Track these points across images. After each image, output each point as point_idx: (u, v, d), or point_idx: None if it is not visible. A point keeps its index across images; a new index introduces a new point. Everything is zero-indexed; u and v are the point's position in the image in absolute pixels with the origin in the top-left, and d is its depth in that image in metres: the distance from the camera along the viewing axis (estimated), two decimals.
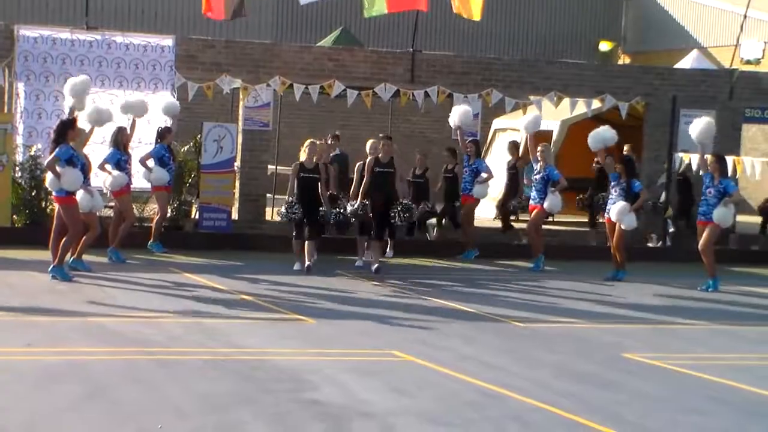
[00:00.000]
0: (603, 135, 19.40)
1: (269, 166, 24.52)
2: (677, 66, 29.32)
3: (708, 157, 19.18)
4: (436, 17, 37.70)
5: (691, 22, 40.12)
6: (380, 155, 19.26)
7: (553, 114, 24.92)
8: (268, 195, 24.12)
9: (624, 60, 41.40)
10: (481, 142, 24.77)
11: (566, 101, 24.39)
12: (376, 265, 18.87)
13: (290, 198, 18.85)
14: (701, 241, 19.05)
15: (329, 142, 23.05)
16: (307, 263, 18.72)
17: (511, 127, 27.12)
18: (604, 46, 40.87)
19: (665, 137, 24.59)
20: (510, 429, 9.58)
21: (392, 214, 19.19)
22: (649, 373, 12.14)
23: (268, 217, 23.81)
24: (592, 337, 14.08)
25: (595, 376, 11.80)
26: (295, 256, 19.10)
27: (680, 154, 23.38)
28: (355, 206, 19.22)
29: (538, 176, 20.44)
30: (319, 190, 18.85)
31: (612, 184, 19.65)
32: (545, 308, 15.01)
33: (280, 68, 23.04)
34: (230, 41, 24.07)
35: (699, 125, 19.25)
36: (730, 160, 20.81)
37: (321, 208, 18.87)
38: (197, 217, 22.43)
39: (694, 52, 32.31)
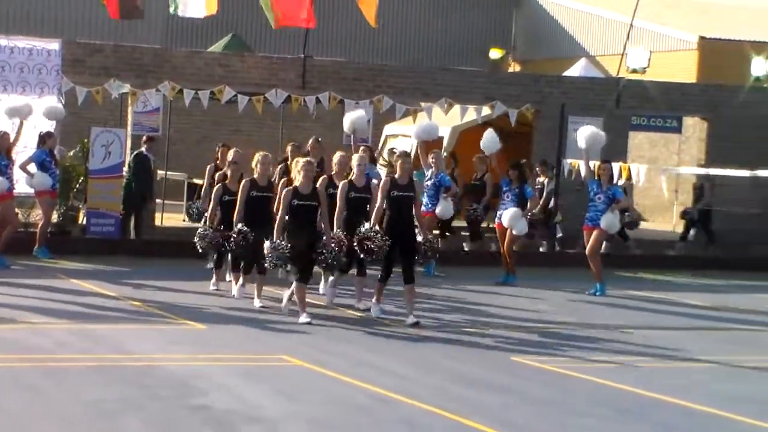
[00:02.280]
0: (494, 138, 19.59)
1: (159, 172, 24.25)
2: (566, 74, 29.70)
3: (598, 163, 19.45)
4: (327, 24, 37.71)
5: (580, 31, 40.66)
6: (396, 175, 15.36)
7: (444, 120, 25.04)
8: (158, 200, 23.87)
9: (514, 68, 41.82)
10: (373, 149, 24.81)
11: (457, 108, 24.54)
12: (412, 319, 15.03)
13: (278, 237, 14.66)
14: (588, 247, 19.28)
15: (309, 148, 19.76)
16: (258, 304, 15.84)
17: (402, 133, 27.22)
18: (495, 53, 41.23)
19: (554, 144, 24.86)
20: None
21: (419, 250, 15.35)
22: (537, 376, 12.25)
23: (157, 222, 23.58)
24: (482, 341, 14.16)
25: (486, 381, 11.86)
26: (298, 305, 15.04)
27: (569, 161, 23.66)
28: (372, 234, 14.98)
29: (429, 182, 20.49)
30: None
31: (504, 189, 19.80)
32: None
33: (169, 73, 22.82)
34: (118, 45, 23.79)
35: (586, 133, 19.51)
36: (616, 166, 21.12)
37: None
38: (85, 222, 22.11)
39: (583, 61, 32.78)
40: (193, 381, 11.06)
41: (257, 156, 16.02)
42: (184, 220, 25.26)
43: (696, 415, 10.79)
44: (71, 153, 22.60)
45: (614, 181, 19.92)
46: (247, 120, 27.33)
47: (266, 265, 15.11)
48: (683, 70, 34.50)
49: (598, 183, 19.19)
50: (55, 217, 21.46)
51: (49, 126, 21.02)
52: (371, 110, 23.70)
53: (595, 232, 19.17)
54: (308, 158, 15.45)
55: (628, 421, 10.45)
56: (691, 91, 27.59)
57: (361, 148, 18.19)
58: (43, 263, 19.60)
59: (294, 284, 14.92)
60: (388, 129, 28.55)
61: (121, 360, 12.00)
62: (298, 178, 14.83)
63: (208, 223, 16.71)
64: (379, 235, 14.84)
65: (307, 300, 14.94)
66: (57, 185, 20.56)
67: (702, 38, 35.28)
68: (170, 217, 24.76)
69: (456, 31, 42.34)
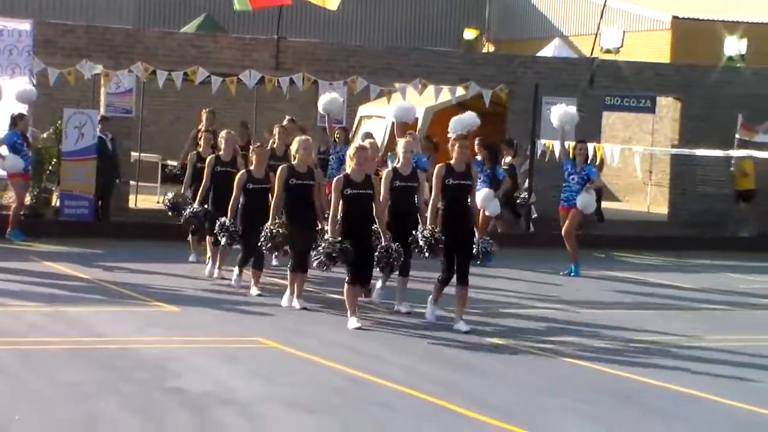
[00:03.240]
0: (465, 120, 19.50)
1: (132, 153, 24.16)
2: (540, 54, 29.70)
3: (573, 143, 19.47)
4: (300, 4, 37.56)
5: (553, 11, 40.67)
6: (452, 161, 13.75)
7: (418, 101, 25.01)
8: (132, 182, 23.78)
9: (488, 48, 41.79)
10: (348, 129, 24.77)
11: (431, 88, 24.52)
12: (464, 326, 13.56)
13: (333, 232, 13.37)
14: (564, 227, 19.32)
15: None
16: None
17: (377, 114, 27.18)
18: (469, 34, 41.18)
19: (528, 125, 24.88)
20: (377, 414, 9.59)
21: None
22: (512, 357, 12.26)
23: (131, 204, 23.50)
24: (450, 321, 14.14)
25: (461, 362, 11.88)
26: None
27: (543, 141, 23.69)
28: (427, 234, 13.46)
29: None
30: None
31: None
32: (410, 295, 15.04)
33: (142, 54, 22.72)
34: (91, 26, 23.68)
35: (559, 112, 19.53)
36: (591, 147, 21.15)
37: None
38: (58, 204, 22.01)
39: (556, 41, 32.78)
40: (167, 363, 11.03)
41: (299, 141, 14.55)
42: (158, 202, 25.26)
43: (679, 397, 10.83)
44: (44, 135, 22.48)
45: (589, 162, 19.94)
46: (220, 101, 27.21)
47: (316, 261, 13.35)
48: (657, 50, 34.57)
49: (573, 163, 19.21)
50: (28, 200, 21.35)
51: (22, 108, 20.88)
52: (345, 91, 23.65)
53: (571, 212, 19.20)
54: (360, 143, 14.10)
55: (606, 402, 10.47)
56: (664, 71, 27.65)
57: (407, 133, 17.99)
58: (16, 246, 19.51)
59: (345, 287, 13.42)
60: (363, 110, 28.50)
61: (95, 343, 11.96)
62: (350, 165, 13.35)
63: (230, 216, 15.16)
64: (438, 231, 13.36)
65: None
66: (29, 167, 20.45)
67: (675, 18, 35.34)
68: (144, 199, 24.70)
69: (430, 11, 42.27)
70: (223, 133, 16.65)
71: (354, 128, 27.46)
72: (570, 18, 39.59)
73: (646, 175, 30.49)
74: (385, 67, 24.51)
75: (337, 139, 21.16)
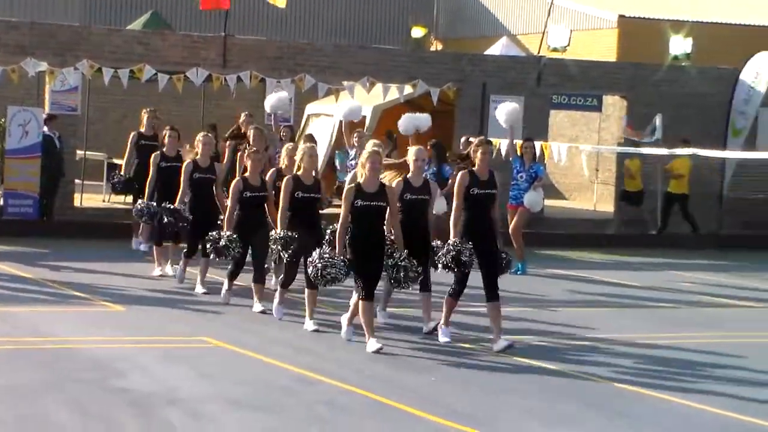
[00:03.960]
0: (417, 120, 19.47)
1: (78, 151, 23.96)
2: (487, 52, 29.78)
3: (520, 142, 19.52)
4: (247, 2, 37.47)
5: (501, 10, 40.79)
6: (475, 168, 12.84)
7: (366, 99, 24.99)
8: (77, 180, 23.59)
9: (436, 46, 41.86)
10: (295, 128, 24.70)
11: (379, 86, 24.51)
12: (503, 343, 12.61)
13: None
14: (512, 225, 19.36)
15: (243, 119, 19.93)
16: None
17: (325, 113, 27.14)
18: (417, 32, 41.21)
19: (476, 123, 24.93)
20: (321, 413, 9.58)
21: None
22: (458, 355, 12.27)
23: (77, 203, 23.31)
24: (401, 322, 14.14)
25: (406, 360, 11.87)
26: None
27: (491, 140, 23.68)
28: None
29: (353, 161, 20.42)
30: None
31: (424, 169, 19.77)
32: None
33: (88, 51, 22.53)
34: (35, 23, 23.44)
35: (505, 109, 19.56)
36: (538, 145, 21.22)
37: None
38: (2, 203, 21.79)
39: (504, 39, 32.87)
40: (112, 363, 10.96)
41: (303, 148, 13.54)
42: (104, 201, 25.09)
43: (622, 394, 10.90)
44: None
45: (537, 159, 20.00)
46: (167, 99, 27.07)
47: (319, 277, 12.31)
48: (603, 48, 34.77)
49: (521, 161, 19.27)
50: None
51: None
52: (293, 89, 23.59)
53: (519, 210, 19.27)
54: (374, 147, 12.70)
55: (553, 398, 10.51)
56: (610, 69, 27.80)
57: (356, 131, 17.97)
58: None
59: (360, 304, 12.21)
60: (310, 108, 28.44)
61: (40, 343, 11.86)
62: (361, 172, 12.22)
63: (226, 229, 14.12)
64: (469, 245, 12.46)
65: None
66: None
67: (621, 17, 35.56)
68: (90, 198, 24.51)
69: (379, 9, 42.27)
70: (200, 136, 15.76)
71: (302, 126, 27.42)
72: (517, 16, 39.74)
73: (592, 174, 30.64)
74: (332, 65, 24.46)
75: (283, 138, 21.10)
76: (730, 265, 22.41)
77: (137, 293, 15.30)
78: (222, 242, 14.01)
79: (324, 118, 27.02)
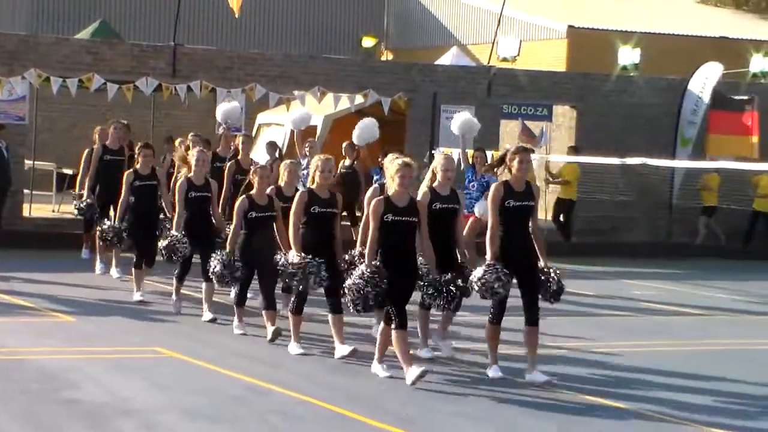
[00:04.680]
0: (366, 131, 19.35)
1: (26, 161, 23.75)
2: (438, 62, 29.84)
3: (472, 152, 19.56)
4: (197, 11, 37.34)
5: (451, 20, 40.90)
6: (510, 178, 11.68)
7: (317, 109, 24.98)
8: (26, 191, 23.37)
9: (387, 56, 41.91)
10: (251, 137, 24.63)
11: (330, 96, 24.49)
12: (541, 377, 11.61)
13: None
14: (464, 234, 19.32)
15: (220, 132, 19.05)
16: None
17: (276, 122, 27.08)
18: (368, 41, 41.25)
19: (427, 132, 24.97)
20: (275, 422, 9.53)
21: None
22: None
23: (25, 213, 23.08)
24: (354, 330, 14.07)
25: (357, 369, 11.81)
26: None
27: (441, 149, 23.76)
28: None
29: (305, 171, 20.36)
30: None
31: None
32: (311, 301, 14.94)
33: (35, 61, 22.35)
34: None
35: (460, 119, 19.57)
36: (489, 154, 21.26)
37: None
38: None
39: (454, 49, 32.95)
40: (63, 374, 10.85)
41: (318, 161, 12.56)
42: (53, 211, 24.88)
43: (581, 403, 10.92)
44: None
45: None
46: (117, 108, 26.93)
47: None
48: (553, 58, 34.94)
49: (473, 171, 19.32)
50: None
51: None
52: (244, 99, 23.52)
53: (470, 220, 19.28)
54: (405, 159, 11.51)
55: (505, 409, 10.50)
56: (560, 79, 27.96)
57: (307, 141, 17.80)
58: None
59: (394, 335, 11.12)
60: (261, 118, 28.39)
61: None
62: (391, 186, 11.34)
63: (228, 249, 13.32)
64: (503, 270, 11.28)
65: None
66: None
67: (571, 27, 35.76)
68: (39, 208, 24.28)
69: (329, 19, 42.24)
70: (194, 152, 14.58)
71: (254, 135, 27.34)
72: (467, 27, 39.85)
73: (543, 183, 30.74)
74: (283, 75, 24.41)
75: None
76: (680, 273, 22.56)
77: (88, 303, 15.17)
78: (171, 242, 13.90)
79: (275, 127, 26.97)
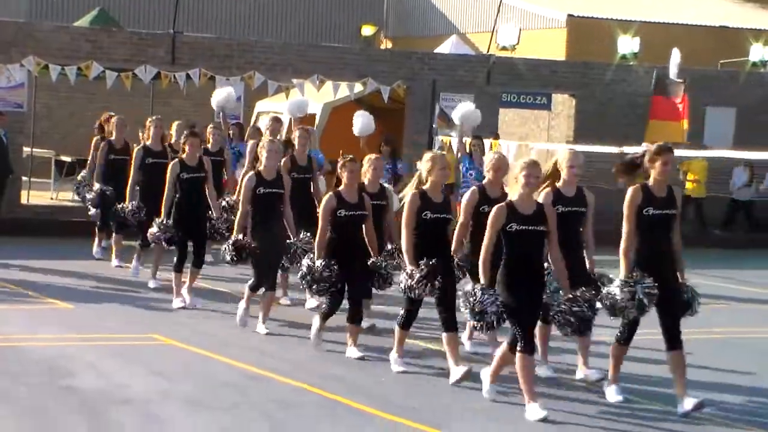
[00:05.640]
0: (368, 123, 19.32)
1: (24, 149, 23.73)
2: (437, 51, 29.80)
3: (470, 140, 19.57)
4: (197, 0, 37.29)
5: (450, 9, 40.84)
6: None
7: (316, 97, 24.94)
8: (24, 178, 23.35)
9: (386, 45, 41.85)
10: (245, 125, 24.61)
11: (329, 84, 24.46)
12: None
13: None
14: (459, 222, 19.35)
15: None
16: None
17: (275, 110, 27.04)
18: (367, 30, 41.20)
19: (426, 121, 24.94)
20: (273, 411, 9.52)
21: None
22: (409, 353, 12.20)
23: (24, 200, 23.06)
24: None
25: (358, 361, 11.79)
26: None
27: (440, 137, 23.77)
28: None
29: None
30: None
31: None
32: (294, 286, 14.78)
33: (34, 48, 22.30)
34: None
35: (463, 109, 19.58)
36: (487, 143, 21.26)
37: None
38: None
39: (453, 38, 32.88)
40: (60, 362, 10.84)
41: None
42: (51, 198, 24.86)
43: (574, 386, 10.91)
44: None
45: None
46: (115, 96, 26.88)
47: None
48: (552, 47, 34.91)
49: (470, 159, 19.32)
50: None
51: None
52: (242, 87, 23.48)
53: None
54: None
55: (502, 396, 10.49)
56: (559, 68, 27.91)
57: (299, 128, 17.42)
58: None
59: (519, 359, 9.76)
60: (260, 106, 28.35)
61: None
62: (513, 189, 10.04)
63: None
64: (647, 281, 9.87)
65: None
66: None
67: (570, 16, 35.72)
68: (37, 195, 24.26)
69: (328, 7, 42.19)
70: (265, 143, 13.09)
71: (252, 124, 27.34)
72: (467, 15, 39.80)
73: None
74: (282, 63, 24.37)
75: (231, 136, 21.01)
76: None
77: (86, 291, 15.16)
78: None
79: (274, 115, 26.91)
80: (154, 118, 17.11)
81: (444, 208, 10.81)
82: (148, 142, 16.40)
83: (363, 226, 11.70)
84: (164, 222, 14.22)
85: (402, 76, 25.13)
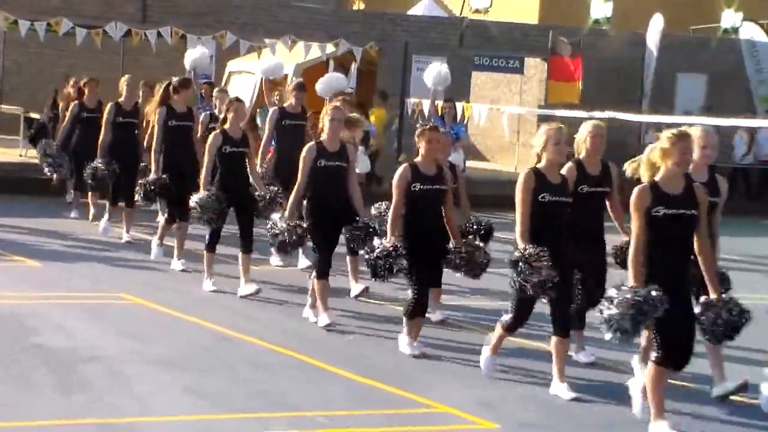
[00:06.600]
0: (334, 81, 19.30)
1: None
2: (410, 13, 29.70)
3: (441, 103, 19.55)
4: None
5: None
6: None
7: (288, 57, 24.81)
8: None
9: (359, 5, 41.66)
10: (216, 85, 24.48)
11: (301, 45, 24.35)
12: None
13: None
14: None
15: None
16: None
17: (246, 70, 26.90)
18: None
19: (398, 83, 24.88)
20: (244, 372, 9.50)
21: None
22: (379, 316, 12.22)
23: None
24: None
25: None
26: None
27: (412, 100, 23.72)
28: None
29: None
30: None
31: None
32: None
33: (3, 3, 22.09)
34: None
35: (434, 72, 19.54)
36: (459, 106, 21.25)
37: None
38: None
39: (426, 0, 32.78)
40: (27, 320, 10.78)
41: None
42: (20, 156, 24.67)
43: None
44: None
45: (458, 120, 20.04)
46: (85, 53, 26.66)
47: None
48: (525, 11, 34.82)
49: (442, 122, 19.30)
50: None
51: None
52: (214, 46, 23.34)
53: None
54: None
55: (469, 360, 10.52)
56: (532, 32, 27.87)
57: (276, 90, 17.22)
58: None
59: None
60: (232, 65, 28.19)
61: None
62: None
63: (389, 233, 10.29)
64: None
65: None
66: None
67: None
68: (5, 152, 24.10)
69: None
70: (329, 110, 11.60)
71: (223, 84, 27.18)
72: None
73: (513, 136, 30.75)
74: (253, 22, 24.24)
75: (203, 95, 20.91)
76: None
77: (55, 249, 15.07)
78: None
79: (246, 75, 26.78)
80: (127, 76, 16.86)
81: (562, 189, 9.40)
82: (120, 100, 16.19)
83: (441, 203, 10.39)
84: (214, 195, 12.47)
85: (374, 38, 25.05)
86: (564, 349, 9.30)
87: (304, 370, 9.72)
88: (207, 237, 12.87)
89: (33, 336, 10.19)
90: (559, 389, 9.25)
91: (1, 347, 9.72)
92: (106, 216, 16.13)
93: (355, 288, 11.85)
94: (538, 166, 9.35)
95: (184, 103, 14.26)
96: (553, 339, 9.28)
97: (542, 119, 26.28)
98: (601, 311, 8.18)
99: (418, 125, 11.26)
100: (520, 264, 9.00)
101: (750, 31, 30.17)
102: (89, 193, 17.37)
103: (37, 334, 10.29)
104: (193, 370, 9.44)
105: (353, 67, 23.67)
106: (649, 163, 8.36)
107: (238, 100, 13.00)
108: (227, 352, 10.16)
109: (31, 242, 15.47)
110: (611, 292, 8.18)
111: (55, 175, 18.01)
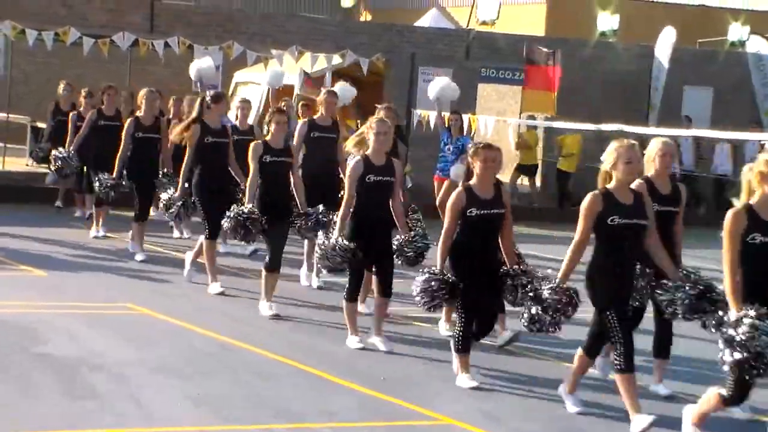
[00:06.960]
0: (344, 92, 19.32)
1: (0, 114, 23.59)
2: (417, 24, 29.74)
3: (448, 114, 19.56)
4: None
5: None
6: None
7: (295, 68, 24.86)
8: (0, 144, 23.23)
9: (366, 17, 41.72)
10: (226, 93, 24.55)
11: (308, 55, 24.38)
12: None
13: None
14: (439, 197, 19.36)
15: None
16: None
17: (253, 81, 26.95)
18: (347, 1, 40.94)
19: (405, 94, 24.90)
20: (247, 380, 9.51)
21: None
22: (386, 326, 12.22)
23: None
24: (323, 292, 14.07)
25: (335, 332, 11.80)
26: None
27: (419, 111, 23.75)
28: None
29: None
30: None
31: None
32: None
33: (11, 12, 22.15)
34: None
35: (439, 84, 19.55)
36: (465, 118, 21.25)
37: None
38: None
39: (433, 11, 32.84)
40: (33, 329, 10.80)
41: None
42: (27, 165, 24.70)
43: (549, 365, 10.93)
44: None
45: (464, 132, 20.06)
46: (93, 63, 26.72)
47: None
48: (532, 23, 34.88)
49: (448, 134, 19.32)
50: None
51: None
52: (221, 56, 23.38)
53: (445, 183, 19.26)
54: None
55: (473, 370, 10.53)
56: (538, 44, 27.86)
57: (282, 99, 17.14)
58: None
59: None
60: (239, 76, 28.25)
61: None
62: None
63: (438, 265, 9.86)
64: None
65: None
66: None
67: None
68: (13, 162, 24.14)
69: None
70: (374, 123, 11.26)
71: (230, 94, 27.22)
72: None
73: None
74: (261, 32, 24.29)
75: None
76: None
77: (60, 258, 15.09)
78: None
79: (252, 86, 26.83)
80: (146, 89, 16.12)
81: (636, 211, 8.82)
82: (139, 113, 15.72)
83: (500, 228, 9.89)
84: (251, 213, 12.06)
85: (381, 49, 25.08)
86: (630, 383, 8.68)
87: (305, 379, 9.73)
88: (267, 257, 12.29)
89: (38, 344, 10.21)
90: (567, 400, 9.31)
91: (6, 355, 9.74)
92: (101, 222, 16.28)
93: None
94: (608, 186, 8.88)
95: (218, 118, 13.71)
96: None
97: (549, 131, 26.34)
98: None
99: (470, 144, 10.80)
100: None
101: (757, 45, 30.20)
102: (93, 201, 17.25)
103: (42, 342, 10.31)
104: (196, 378, 9.46)
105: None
106: (747, 186, 8.07)
107: (279, 111, 12.51)
108: (229, 359, 10.18)
109: (37, 251, 15.49)
110: (731, 332, 7.74)
111: (59, 178, 17.89)
